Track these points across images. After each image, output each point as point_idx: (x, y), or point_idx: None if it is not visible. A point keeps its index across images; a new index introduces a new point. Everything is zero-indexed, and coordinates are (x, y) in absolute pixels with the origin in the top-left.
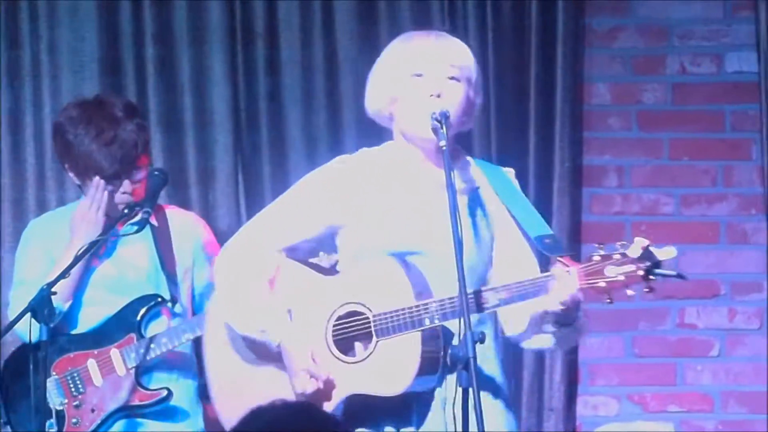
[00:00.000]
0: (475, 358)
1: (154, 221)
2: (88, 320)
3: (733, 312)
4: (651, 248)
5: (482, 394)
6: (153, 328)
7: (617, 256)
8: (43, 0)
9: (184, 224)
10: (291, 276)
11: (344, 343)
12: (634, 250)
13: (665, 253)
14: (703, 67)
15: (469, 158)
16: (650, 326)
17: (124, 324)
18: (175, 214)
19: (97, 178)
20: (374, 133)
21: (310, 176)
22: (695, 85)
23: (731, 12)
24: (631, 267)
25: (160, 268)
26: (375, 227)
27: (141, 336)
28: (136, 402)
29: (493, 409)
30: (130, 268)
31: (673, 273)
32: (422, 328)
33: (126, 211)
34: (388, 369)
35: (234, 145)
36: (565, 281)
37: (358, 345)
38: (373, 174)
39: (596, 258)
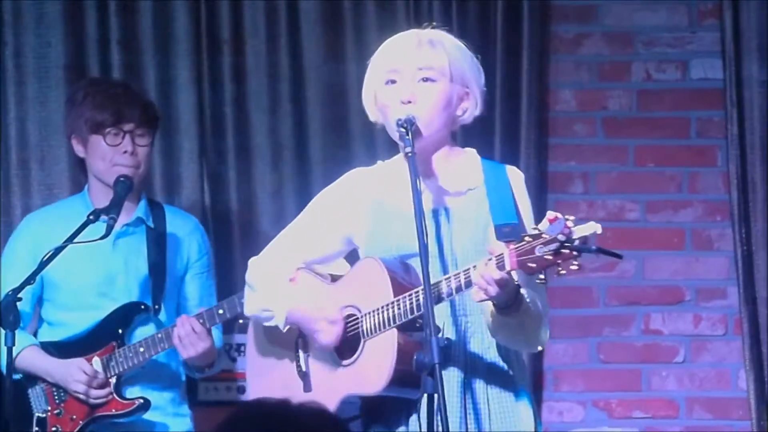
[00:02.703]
0: (440, 364)
1: (150, 223)
2: (77, 326)
3: (698, 318)
4: (567, 222)
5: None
6: (139, 337)
7: (546, 236)
8: (9, 6)
9: (183, 229)
10: (300, 283)
11: (344, 347)
12: (543, 223)
13: (586, 228)
14: (668, 74)
15: (474, 157)
16: (615, 332)
17: (107, 331)
18: (175, 217)
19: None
20: (340, 140)
21: (325, 189)
22: (660, 91)
23: (696, 19)
24: (555, 245)
25: (148, 273)
26: (380, 234)
27: (123, 344)
28: (112, 411)
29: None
30: (120, 273)
31: (592, 248)
32: (400, 322)
33: (91, 217)
34: (370, 367)
35: (199, 152)
36: (489, 265)
37: (350, 348)
38: (382, 183)
39: (527, 238)
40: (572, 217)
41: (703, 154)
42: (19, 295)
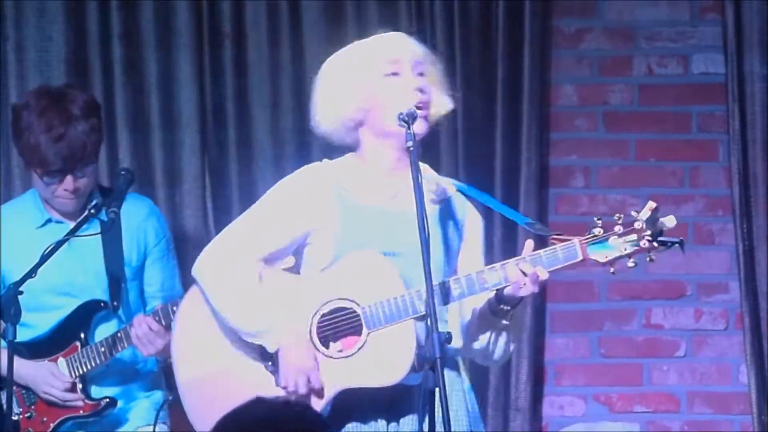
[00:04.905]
0: (442, 358)
1: (103, 217)
2: (41, 326)
3: (699, 312)
4: (658, 215)
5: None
6: (102, 334)
7: (618, 227)
8: (11, 0)
9: (137, 216)
10: (271, 280)
11: (330, 340)
12: (644, 213)
13: (669, 220)
14: (669, 69)
15: (434, 174)
16: (616, 326)
17: (69, 331)
18: (128, 205)
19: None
20: None
21: (280, 183)
22: (662, 86)
23: (698, 14)
24: (633, 237)
25: (105, 269)
26: (352, 231)
27: (86, 343)
28: (81, 412)
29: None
30: (79, 271)
31: (677, 240)
32: (417, 315)
33: (92, 210)
34: (383, 359)
35: (201, 146)
36: (570, 252)
37: (345, 341)
38: (345, 179)
39: (597, 231)
40: (656, 204)
41: (705, 149)
42: (20, 289)
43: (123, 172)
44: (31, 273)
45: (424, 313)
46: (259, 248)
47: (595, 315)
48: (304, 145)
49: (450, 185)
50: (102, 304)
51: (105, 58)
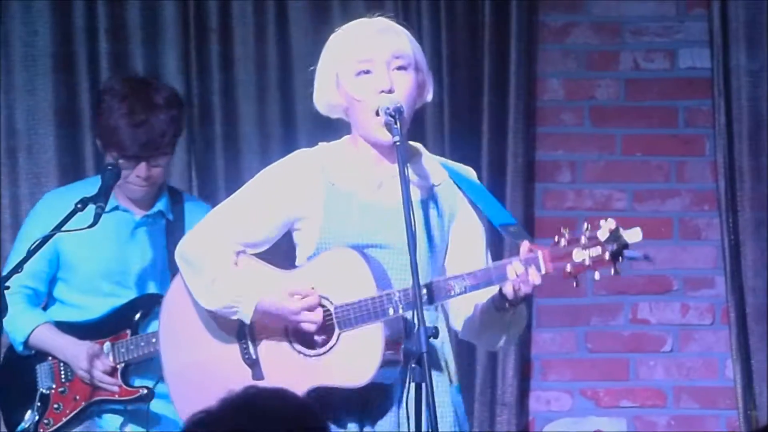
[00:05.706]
0: (428, 353)
1: (170, 216)
2: (92, 310)
3: (685, 307)
4: (620, 230)
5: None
6: (153, 328)
7: (584, 240)
8: None
9: (200, 219)
10: (248, 269)
11: (304, 337)
12: (603, 232)
13: (632, 235)
14: (656, 63)
15: (428, 155)
16: (603, 321)
17: (122, 319)
18: (192, 207)
19: (87, 363)
20: (328, 128)
21: (269, 169)
22: (648, 80)
23: (684, 8)
24: (598, 250)
25: (166, 265)
26: (336, 220)
27: (136, 333)
28: (116, 397)
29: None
30: (137, 262)
31: (640, 255)
32: (386, 318)
33: (79, 205)
34: (352, 360)
35: (187, 141)
36: (532, 265)
37: (318, 338)
38: (333, 167)
39: (562, 242)
40: (615, 223)
41: (691, 144)
42: (6, 284)
43: (109, 167)
44: (18, 268)
45: (392, 316)
46: (238, 234)
47: (582, 310)
48: (291, 139)
49: (443, 172)
50: (161, 300)
51: (91, 52)
